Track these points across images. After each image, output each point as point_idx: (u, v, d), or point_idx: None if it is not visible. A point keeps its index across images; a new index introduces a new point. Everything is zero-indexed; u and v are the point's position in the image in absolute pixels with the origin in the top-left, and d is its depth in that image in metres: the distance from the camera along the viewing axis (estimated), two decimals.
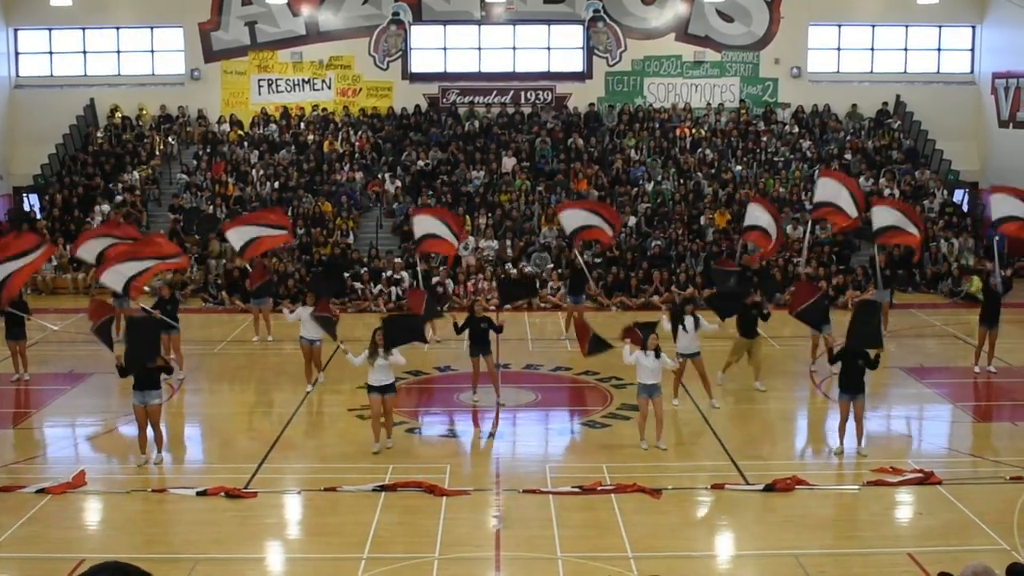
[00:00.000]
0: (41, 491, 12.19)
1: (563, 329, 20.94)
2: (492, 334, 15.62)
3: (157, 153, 30.07)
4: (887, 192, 28.15)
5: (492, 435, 14.71)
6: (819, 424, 15.48)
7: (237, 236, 19.58)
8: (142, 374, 13.04)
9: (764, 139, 30.24)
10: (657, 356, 13.37)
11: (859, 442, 13.49)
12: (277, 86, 31.41)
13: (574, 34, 31.57)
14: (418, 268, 20.39)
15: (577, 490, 12.25)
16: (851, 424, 13.49)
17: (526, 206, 27.81)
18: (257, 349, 20.18)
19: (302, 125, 30.82)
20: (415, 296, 18.01)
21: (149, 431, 13.22)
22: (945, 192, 29.01)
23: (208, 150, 29.86)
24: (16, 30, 30.81)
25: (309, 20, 30.98)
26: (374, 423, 13.64)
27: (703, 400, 15.78)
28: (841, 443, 13.61)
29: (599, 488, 12.27)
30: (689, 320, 15.33)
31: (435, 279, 22.20)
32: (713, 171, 29.09)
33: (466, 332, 15.79)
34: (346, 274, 24.03)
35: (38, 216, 28.18)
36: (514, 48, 31.62)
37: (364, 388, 14.12)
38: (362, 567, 10.25)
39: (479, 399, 16.02)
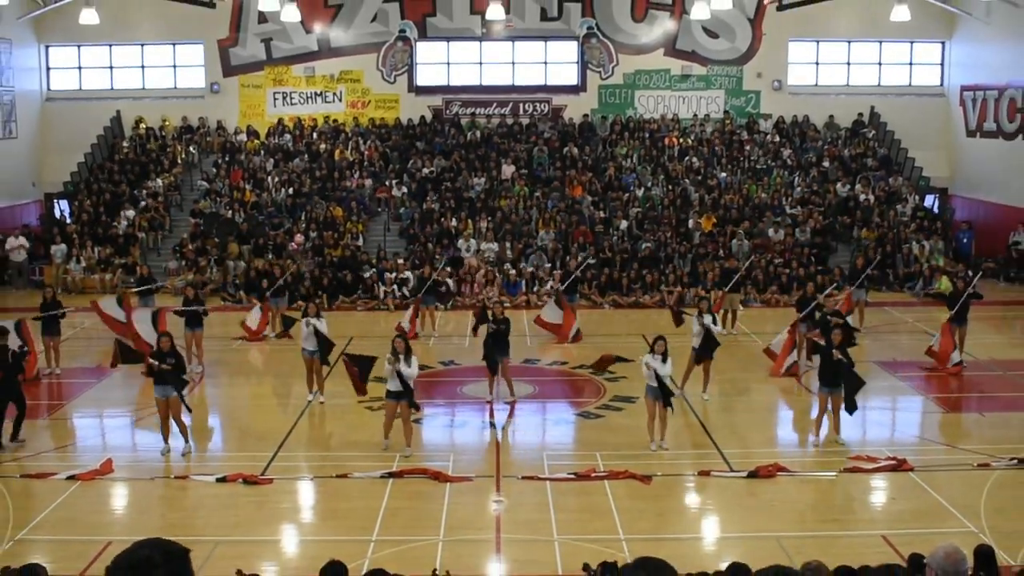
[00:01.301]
0: (71, 477, 12.21)
1: None
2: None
3: (179, 161, 30.06)
4: (863, 197, 28.23)
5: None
6: (799, 415, 15.48)
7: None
8: (163, 371, 13.02)
9: (747, 148, 30.22)
10: (664, 360, 13.07)
11: (836, 431, 13.49)
12: (291, 99, 31.37)
13: (569, 50, 31.53)
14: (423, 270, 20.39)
15: (572, 476, 12.25)
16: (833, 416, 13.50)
17: (524, 210, 27.79)
18: (273, 345, 20.17)
19: (315, 135, 30.78)
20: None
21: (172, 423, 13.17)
22: (916, 197, 29.03)
23: (227, 159, 29.84)
24: (47, 47, 30.77)
25: (321, 37, 30.94)
26: (386, 423, 13.31)
27: (692, 392, 15.76)
28: (818, 432, 13.62)
29: (593, 475, 12.27)
30: (708, 319, 15.29)
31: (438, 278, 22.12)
32: (699, 178, 29.07)
33: (479, 334, 15.80)
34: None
35: (68, 221, 28.19)
36: (513, 63, 31.56)
37: (371, 381, 14.16)
38: (371, 548, 10.24)
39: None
